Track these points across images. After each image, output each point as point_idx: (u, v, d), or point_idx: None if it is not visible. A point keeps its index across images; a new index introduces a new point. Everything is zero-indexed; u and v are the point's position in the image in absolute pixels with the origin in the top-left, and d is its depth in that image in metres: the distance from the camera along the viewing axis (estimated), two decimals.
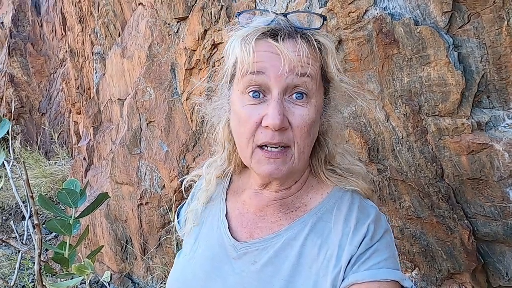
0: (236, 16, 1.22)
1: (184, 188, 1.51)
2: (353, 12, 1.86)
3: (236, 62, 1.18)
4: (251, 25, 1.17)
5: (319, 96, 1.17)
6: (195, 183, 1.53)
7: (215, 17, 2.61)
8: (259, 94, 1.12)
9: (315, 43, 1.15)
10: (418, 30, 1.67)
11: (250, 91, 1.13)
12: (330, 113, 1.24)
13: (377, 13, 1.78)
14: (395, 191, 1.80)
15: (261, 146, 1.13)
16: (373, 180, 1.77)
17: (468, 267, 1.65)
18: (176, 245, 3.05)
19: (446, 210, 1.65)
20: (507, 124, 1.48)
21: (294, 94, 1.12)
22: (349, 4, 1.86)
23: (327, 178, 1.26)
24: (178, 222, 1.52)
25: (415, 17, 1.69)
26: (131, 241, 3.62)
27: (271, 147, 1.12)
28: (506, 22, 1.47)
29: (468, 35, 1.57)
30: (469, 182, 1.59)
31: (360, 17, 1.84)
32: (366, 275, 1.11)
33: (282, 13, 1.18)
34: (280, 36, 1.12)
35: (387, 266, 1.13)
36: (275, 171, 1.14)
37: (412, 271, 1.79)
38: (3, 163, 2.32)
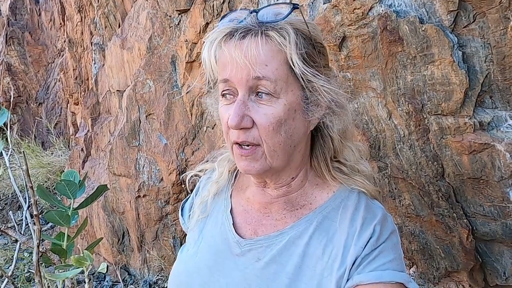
0: (218, 22, 1.21)
1: (188, 182, 1.51)
2: (358, 9, 1.86)
3: (209, 69, 1.21)
4: (221, 27, 1.16)
5: (291, 93, 1.14)
6: (198, 177, 1.53)
7: (217, 10, 2.61)
8: (232, 95, 1.15)
9: (267, 39, 1.11)
10: (423, 29, 1.67)
11: (223, 94, 1.16)
12: (315, 109, 1.17)
13: (382, 10, 1.79)
14: (395, 189, 1.81)
15: (237, 144, 1.16)
16: (374, 178, 1.78)
17: (466, 266, 1.67)
18: (173, 237, 3.06)
19: (446, 209, 1.67)
20: (509, 124, 1.49)
21: (258, 93, 1.12)
22: (354, 0, 1.86)
23: (333, 177, 1.25)
24: (182, 217, 1.53)
25: (420, 15, 1.70)
26: (128, 233, 3.63)
27: (243, 145, 1.15)
28: (511, 23, 1.48)
29: (473, 35, 1.57)
30: (469, 181, 1.61)
31: (365, 14, 1.84)
32: (371, 276, 1.12)
33: (254, 10, 1.15)
34: (234, 38, 1.11)
35: (392, 268, 1.13)
36: (248, 167, 1.17)
37: (410, 268, 1.81)
38: (1, 152, 2.32)
